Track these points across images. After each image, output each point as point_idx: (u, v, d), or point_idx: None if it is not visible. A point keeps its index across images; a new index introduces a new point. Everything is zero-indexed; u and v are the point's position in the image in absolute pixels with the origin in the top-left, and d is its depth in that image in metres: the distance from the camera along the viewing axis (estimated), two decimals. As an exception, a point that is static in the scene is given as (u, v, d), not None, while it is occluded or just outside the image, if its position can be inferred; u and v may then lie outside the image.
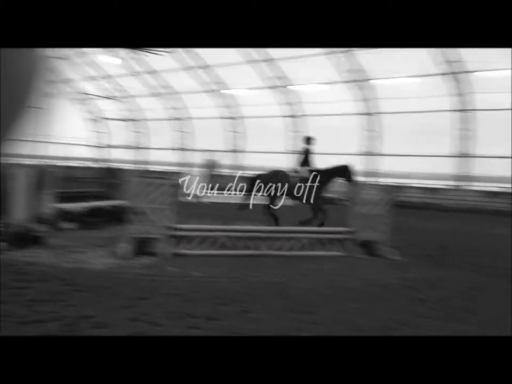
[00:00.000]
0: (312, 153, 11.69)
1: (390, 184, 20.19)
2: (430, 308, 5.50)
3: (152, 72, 36.70)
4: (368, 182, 26.80)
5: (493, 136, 24.82)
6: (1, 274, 5.75)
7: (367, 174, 29.98)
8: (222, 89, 35.41)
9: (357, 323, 4.76)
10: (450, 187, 26.69)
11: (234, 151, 37.25)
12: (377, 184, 16.11)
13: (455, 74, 25.46)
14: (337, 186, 25.97)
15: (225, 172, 33.99)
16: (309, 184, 11.22)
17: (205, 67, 33.52)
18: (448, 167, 27.01)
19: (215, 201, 20.69)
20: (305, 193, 11.20)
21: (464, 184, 26.48)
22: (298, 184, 11.33)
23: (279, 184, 11.28)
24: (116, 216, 10.64)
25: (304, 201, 11.35)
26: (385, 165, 29.70)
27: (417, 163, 27.64)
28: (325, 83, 30.18)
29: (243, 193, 12.34)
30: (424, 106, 26.90)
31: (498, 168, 24.22)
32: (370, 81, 28.99)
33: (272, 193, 11.28)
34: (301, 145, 12.29)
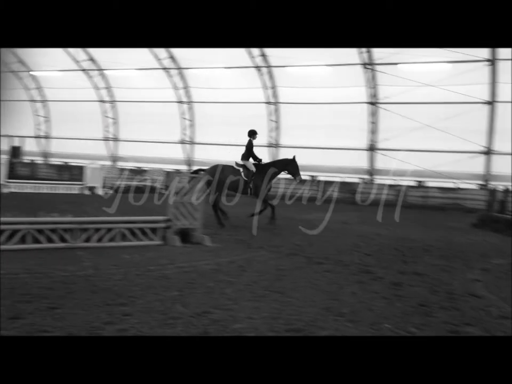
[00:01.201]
0: (253, 146, 11.90)
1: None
2: (239, 289, 5.77)
3: None
4: (184, 170, 27.15)
5: (297, 127, 26.91)
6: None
7: (184, 162, 30.31)
8: (30, 71, 32.76)
9: (170, 311, 4.79)
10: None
11: (39, 136, 34.71)
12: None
13: (269, 68, 26.86)
14: (156, 174, 25.92)
15: (32, 159, 31.52)
16: (255, 177, 11.59)
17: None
18: (261, 155, 28.50)
19: (18, 191, 19.07)
20: (252, 186, 11.66)
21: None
22: (245, 178, 11.64)
23: (226, 179, 11.44)
24: None
25: (250, 194, 11.69)
26: (201, 153, 30.26)
27: (229, 151, 28.68)
28: (141, 69, 29.68)
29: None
30: (239, 97, 27.93)
31: (300, 157, 26.28)
32: (186, 70, 29.22)
33: (218, 188, 11.42)
34: (246, 139, 12.16)
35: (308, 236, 10.89)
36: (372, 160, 25.63)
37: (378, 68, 24.21)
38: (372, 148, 25.44)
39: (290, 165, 12.09)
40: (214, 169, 11.74)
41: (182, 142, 30.63)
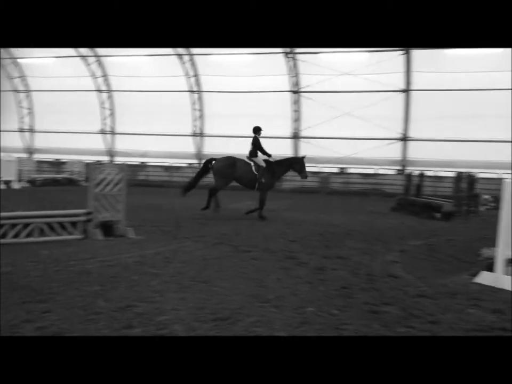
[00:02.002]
0: (260, 143, 12.10)
1: (127, 163, 20.23)
2: (164, 281, 5.69)
3: None
4: (105, 161, 26.38)
5: (222, 116, 26.85)
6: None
7: (105, 153, 29.45)
8: None
9: (92, 306, 4.64)
10: (188, 165, 28.02)
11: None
12: (114, 163, 15.94)
13: (190, 56, 26.52)
14: (76, 166, 24.99)
15: None
16: (264, 174, 11.92)
17: None
18: (186, 145, 28.21)
19: None
20: (260, 182, 11.98)
21: (200, 162, 28.06)
22: (255, 173, 11.90)
23: (236, 172, 11.86)
24: None
25: (257, 189, 12.00)
26: (123, 143, 29.53)
27: (156, 142, 28.21)
28: (58, 57, 28.42)
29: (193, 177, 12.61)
30: (160, 85, 27.45)
31: (225, 146, 26.33)
32: (104, 58, 28.30)
33: (224, 179, 11.89)
34: (252, 135, 12.25)
35: (235, 225, 10.94)
36: (296, 148, 26.06)
37: (299, 56, 24.57)
38: (295, 136, 25.86)
39: (298, 163, 12.50)
40: (227, 160, 12.11)
41: (102, 132, 29.72)
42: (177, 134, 27.62)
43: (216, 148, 26.97)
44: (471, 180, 15.27)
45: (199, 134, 27.90)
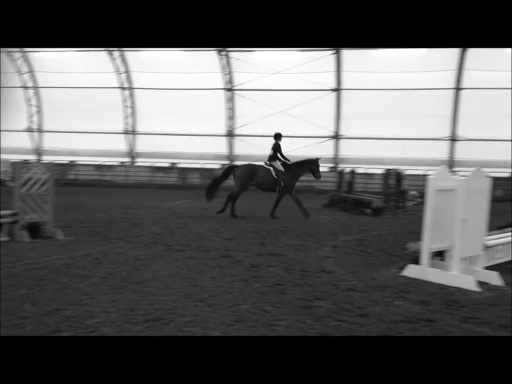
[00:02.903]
0: (280, 148, 12.88)
1: (54, 162, 19.52)
2: (94, 283, 5.53)
3: None
4: (32, 160, 25.34)
5: (154, 113, 26.43)
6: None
7: (32, 151, 28.28)
8: None
9: (19, 310, 4.43)
10: (120, 163, 27.41)
11: None
12: (41, 162, 15.34)
13: (121, 52, 25.92)
14: (1, 165, 23.81)
15: None
16: (284, 176, 12.69)
17: None
18: (118, 143, 27.57)
19: None
20: (281, 184, 12.71)
21: (132, 161, 27.52)
22: (275, 177, 12.66)
23: (257, 178, 12.64)
24: None
25: (278, 191, 12.71)
26: (51, 141, 28.46)
27: (86, 140, 27.39)
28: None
29: (213, 180, 13.37)
30: (90, 82, 26.67)
31: (159, 145, 25.96)
32: (31, 53, 27.15)
33: (244, 185, 12.65)
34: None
35: (169, 224, 10.80)
36: (231, 146, 26.08)
37: (232, 54, 24.58)
38: (230, 134, 25.87)
39: (313, 165, 13.25)
40: (249, 168, 12.94)
41: (29, 130, 28.51)
42: (108, 131, 26.91)
43: (148, 146, 26.53)
44: (399, 176, 15.84)
45: (130, 132, 27.32)
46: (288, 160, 13.09)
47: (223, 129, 25.93)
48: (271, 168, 12.85)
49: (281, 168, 12.85)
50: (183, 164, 25.96)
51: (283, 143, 13.06)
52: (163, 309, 4.65)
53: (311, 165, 13.27)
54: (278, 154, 13.01)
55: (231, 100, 25.52)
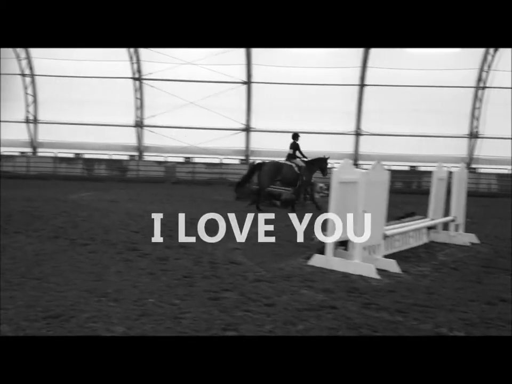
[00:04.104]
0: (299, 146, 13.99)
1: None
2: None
3: None
4: None
5: (59, 101, 25.15)
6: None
7: None
8: None
9: None
10: (20, 154, 25.90)
11: None
12: None
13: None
14: None
15: None
16: (305, 172, 13.67)
17: None
18: (18, 133, 25.96)
19: None
20: (302, 179, 13.62)
21: (34, 151, 26.10)
22: (298, 172, 13.52)
23: (282, 174, 13.42)
24: None
25: (299, 186, 13.58)
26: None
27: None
28: None
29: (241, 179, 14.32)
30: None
31: (63, 134, 24.76)
32: None
33: (270, 180, 13.48)
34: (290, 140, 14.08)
35: (73, 217, 10.36)
36: (140, 136, 25.48)
37: (142, 43, 23.94)
38: (138, 125, 25.26)
39: (324, 163, 14.36)
40: (275, 165, 13.63)
41: None
42: (9, 120, 25.29)
43: (51, 136, 25.24)
44: (307, 169, 16.26)
45: (32, 121, 25.87)
46: (306, 157, 14.20)
47: (131, 120, 25.24)
48: (293, 164, 13.84)
49: (302, 164, 13.93)
50: (89, 154, 25.00)
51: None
52: (64, 305, 4.47)
53: (322, 163, 14.40)
54: (297, 152, 14.13)
55: (139, 90, 24.90)
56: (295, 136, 14.32)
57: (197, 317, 4.25)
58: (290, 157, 14.10)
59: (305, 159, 14.19)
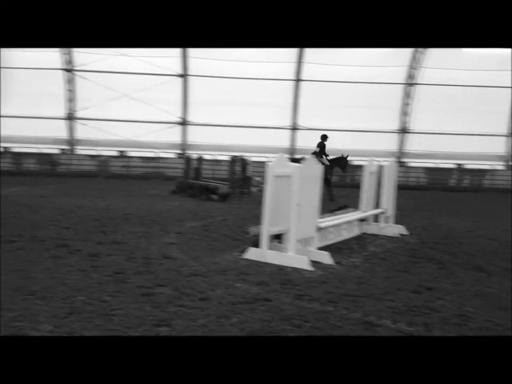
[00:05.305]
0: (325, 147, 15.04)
1: None
2: None
3: None
4: None
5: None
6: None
7: None
8: None
9: None
10: None
11: None
12: None
13: None
14: None
15: None
16: (329, 169, 14.70)
17: None
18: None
19: None
20: (327, 176, 14.02)
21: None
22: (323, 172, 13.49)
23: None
24: None
25: (325, 182, 12.98)
26: None
27: None
28: None
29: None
30: None
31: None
32: None
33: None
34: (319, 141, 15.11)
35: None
36: (71, 129, 24.63)
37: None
38: (70, 117, 24.41)
39: (345, 161, 15.65)
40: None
41: None
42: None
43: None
44: (244, 163, 16.29)
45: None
46: (328, 156, 15.23)
47: (61, 112, 24.34)
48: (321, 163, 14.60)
49: (327, 163, 14.84)
50: (18, 148, 23.91)
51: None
52: (-13, 305, 4.25)
53: (342, 160, 15.56)
54: (323, 153, 15.01)
55: (71, 82, 24.05)
56: (324, 137, 15.20)
57: (129, 314, 4.17)
58: (318, 155, 14.70)
59: (328, 158, 15.24)
